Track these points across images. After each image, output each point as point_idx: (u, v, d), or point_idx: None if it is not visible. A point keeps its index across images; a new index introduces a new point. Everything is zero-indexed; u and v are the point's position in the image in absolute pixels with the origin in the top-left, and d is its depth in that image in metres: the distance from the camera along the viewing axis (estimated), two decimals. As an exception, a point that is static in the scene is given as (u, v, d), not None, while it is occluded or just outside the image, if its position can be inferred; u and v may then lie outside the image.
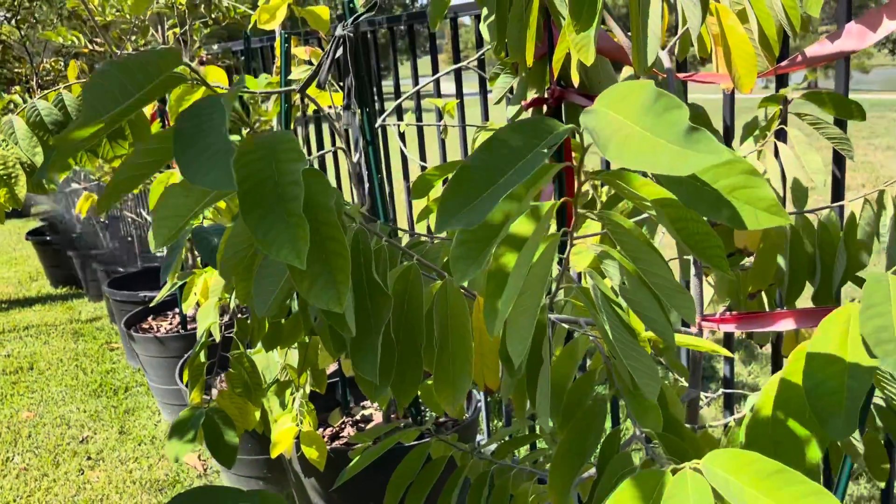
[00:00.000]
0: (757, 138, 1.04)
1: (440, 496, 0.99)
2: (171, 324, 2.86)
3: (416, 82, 1.91)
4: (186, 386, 1.44)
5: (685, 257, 1.00)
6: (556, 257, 0.58)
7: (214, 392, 1.46)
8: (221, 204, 1.56)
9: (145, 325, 2.87)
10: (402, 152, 1.99)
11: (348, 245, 0.54)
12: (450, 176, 1.09)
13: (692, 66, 1.31)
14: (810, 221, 0.96)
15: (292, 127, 1.91)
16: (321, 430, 1.88)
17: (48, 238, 4.67)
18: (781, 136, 1.02)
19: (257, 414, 1.41)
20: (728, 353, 0.81)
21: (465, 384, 0.68)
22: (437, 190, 1.16)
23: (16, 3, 3.20)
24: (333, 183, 2.50)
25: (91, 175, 3.45)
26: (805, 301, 0.99)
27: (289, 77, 1.70)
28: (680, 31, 0.99)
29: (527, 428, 1.72)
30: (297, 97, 1.84)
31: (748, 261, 1.05)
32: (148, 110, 1.77)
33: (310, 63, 1.91)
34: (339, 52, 1.35)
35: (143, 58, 0.44)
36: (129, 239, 3.97)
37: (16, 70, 3.39)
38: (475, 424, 1.89)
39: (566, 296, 0.79)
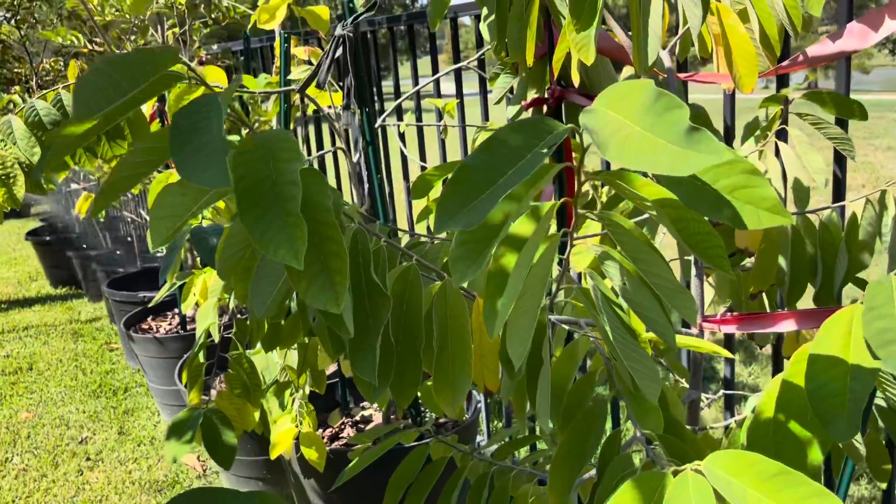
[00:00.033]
0: (758, 138, 1.03)
1: (440, 497, 0.99)
2: (170, 324, 2.85)
3: (415, 82, 1.91)
4: (185, 387, 1.43)
5: (686, 258, 1.00)
6: (556, 258, 0.58)
7: (213, 393, 1.45)
8: (220, 204, 1.56)
9: (145, 326, 2.87)
10: (401, 152, 1.99)
11: (347, 245, 0.53)
12: (449, 176, 1.09)
13: (692, 66, 1.30)
14: (812, 222, 0.96)
15: (292, 127, 1.90)
16: (320, 430, 1.88)
17: (48, 238, 4.67)
18: (782, 136, 1.01)
19: (256, 415, 1.41)
20: (729, 355, 0.80)
21: (464, 385, 0.68)
22: (437, 190, 1.15)
23: (15, 3, 3.19)
24: (333, 183, 2.49)
25: (90, 175, 3.44)
26: (806, 302, 0.99)
27: (288, 77, 1.70)
28: (681, 31, 0.99)
29: (527, 429, 1.72)
30: (296, 97, 1.83)
31: (749, 261, 1.05)
32: (147, 110, 1.77)
33: (309, 63, 1.91)
34: (339, 51, 1.34)
35: (138, 55, 0.43)
36: (129, 239, 3.97)
37: (15, 70, 3.38)
38: (475, 425, 1.88)
39: (566, 296, 0.79)
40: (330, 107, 1.69)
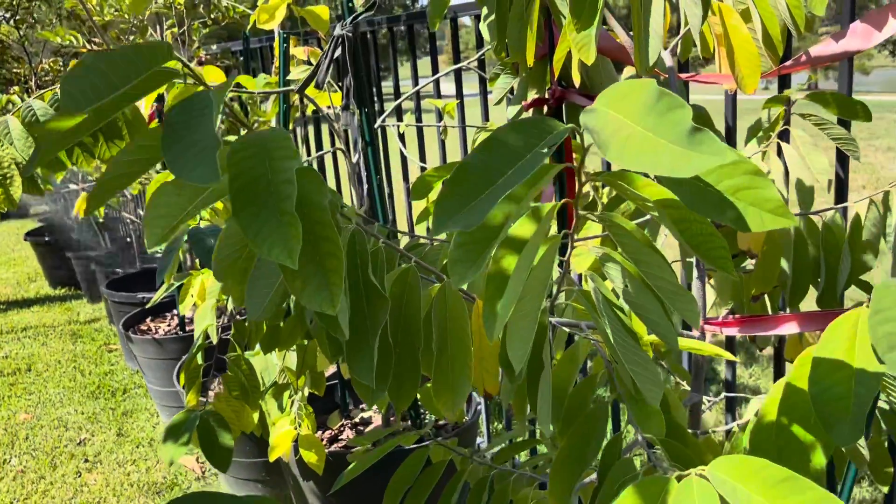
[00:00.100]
0: (760, 140, 1.03)
1: (439, 501, 0.98)
2: (169, 325, 2.85)
3: (415, 83, 1.90)
4: (183, 388, 1.42)
5: (688, 259, 0.99)
6: (556, 259, 0.57)
7: (212, 394, 1.45)
8: (219, 205, 1.55)
9: (143, 327, 2.86)
10: (401, 153, 1.98)
11: (344, 246, 0.53)
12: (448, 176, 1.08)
13: (693, 67, 1.30)
14: (814, 223, 0.95)
15: (291, 127, 1.90)
16: (320, 432, 1.87)
17: (47, 239, 4.66)
18: (785, 137, 1.01)
19: (255, 416, 1.40)
20: (732, 357, 0.80)
21: (464, 389, 0.67)
22: (437, 191, 1.15)
23: (14, 3, 3.19)
24: (333, 184, 2.49)
25: (89, 176, 3.44)
26: (809, 303, 0.98)
27: (287, 77, 1.69)
28: (682, 31, 0.98)
29: (527, 432, 1.71)
30: (295, 98, 1.83)
31: (749, 263, 1.04)
32: (146, 110, 1.76)
33: (309, 63, 1.90)
34: (338, 52, 1.34)
35: (130, 50, 0.42)
36: (128, 240, 3.96)
37: (14, 70, 3.38)
38: (475, 427, 1.88)
39: (567, 299, 0.78)
40: (329, 107, 1.68)
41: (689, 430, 0.72)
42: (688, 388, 1.02)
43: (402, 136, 1.95)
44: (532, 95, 1.09)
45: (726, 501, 0.42)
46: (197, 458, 2.43)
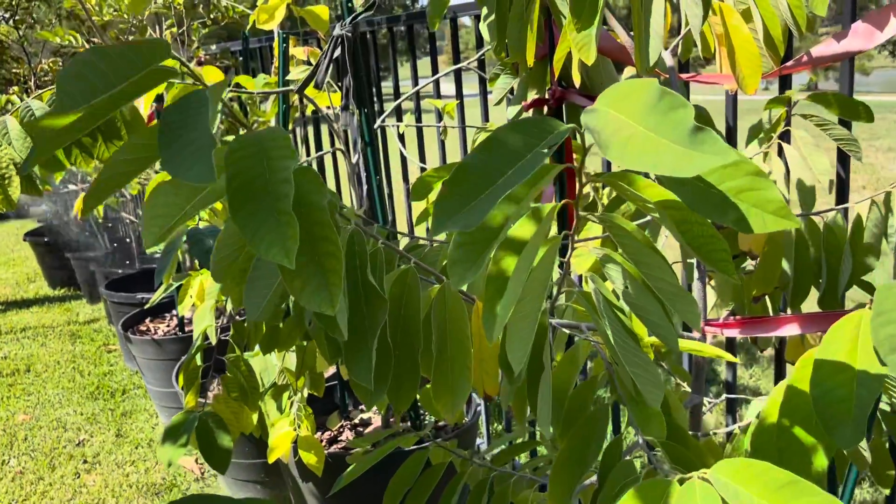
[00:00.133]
0: (762, 141, 1.02)
1: (439, 502, 0.98)
2: (168, 326, 2.84)
3: (415, 83, 1.90)
4: (182, 389, 1.42)
5: (688, 260, 0.99)
6: (557, 260, 0.57)
7: (211, 396, 1.44)
8: (218, 205, 1.55)
9: (143, 328, 2.85)
10: (401, 154, 1.98)
11: (343, 246, 0.52)
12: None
13: (693, 67, 1.29)
14: (816, 224, 0.95)
15: (290, 128, 1.89)
16: (319, 433, 1.86)
17: (46, 239, 4.66)
18: (786, 137, 1.00)
19: (254, 417, 1.39)
20: (733, 359, 0.79)
21: (464, 390, 0.67)
22: (437, 192, 1.14)
23: (14, 3, 3.18)
24: (333, 185, 2.48)
25: (88, 176, 3.43)
26: (810, 304, 0.97)
27: (287, 77, 1.69)
28: (683, 31, 0.98)
29: (527, 434, 1.71)
30: (295, 98, 1.82)
31: (749, 263, 1.04)
32: (145, 110, 1.75)
33: (308, 63, 1.90)
34: (338, 52, 1.33)
35: (127, 47, 0.42)
36: (128, 240, 3.96)
37: (14, 70, 3.37)
38: (475, 428, 1.87)
39: (567, 300, 0.78)
40: (329, 107, 1.68)
41: (690, 433, 0.71)
42: (688, 390, 1.01)
43: (401, 137, 1.95)
44: (532, 96, 1.08)
45: (728, 505, 0.42)
46: (196, 459, 2.42)
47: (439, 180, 1.13)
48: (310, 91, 1.62)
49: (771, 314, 1.05)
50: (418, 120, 1.93)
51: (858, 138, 0.97)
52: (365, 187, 1.47)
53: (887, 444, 0.95)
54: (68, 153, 1.17)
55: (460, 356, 0.67)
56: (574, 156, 1.11)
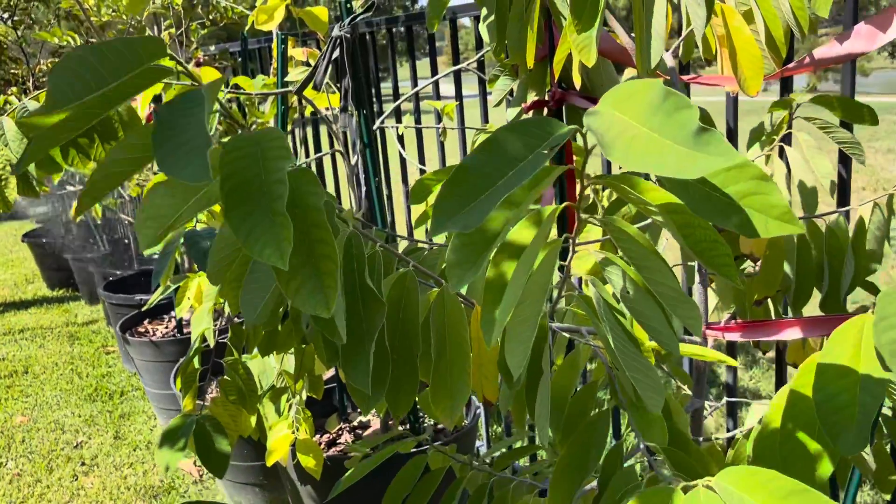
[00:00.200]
0: (763, 143, 1.02)
1: (437, 507, 0.97)
2: (167, 328, 2.83)
3: (414, 84, 1.89)
4: (180, 392, 1.41)
5: (689, 263, 0.98)
6: (557, 264, 0.56)
7: (209, 399, 1.43)
8: (216, 208, 1.54)
9: (141, 329, 2.84)
10: (400, 155, 1.97)
11: (340, 249, 0.51)
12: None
13: (693, 68, 1.29)
14: (818, 227, 0.94)
15: (289, 129, 1.89)
16: (318, 436, 1.85)
17: (45, 240, 4.65)
18: (788, 140, 1.00)
19: (253, 420, 1.38)
20: (734, 363, 0.78)
21: (462, 395, 0.66)
22: (436, 195, 1.13)
23: (12, 4, 3.17)
24: (332, 186, 2.48)
25: (86, 178, 3.42)
26: (812, 306, 0.97)
27: (286, 78, 1.68)
28: (684, 32, 0.97)
29: (527, 438, 1.70)
30: (294, 99, 1.82)
31: (749, 264, 1.03)
32: (143, 111, 1.75)
33: (307, 64, 1.89)
34: (337, 53, 1.33)
35: (121, 44, 0.41)
36: (126, 241, 3.95)
37: (12, 71, 3.36)
38: (474, 430, 1.86)
39: (567, 304, 0.77)
40: (328, 109, 1.67)
41: (692, 438, 0.70)
42: (689, 393, 1.00)
43: (400, 138, 1.94)
44: (532, 97, 1.08)
45: (733, 514, 0.41)
46: (194, 462, 2.41)
47: (438, 183, 1.13)
48: (308, 92, 1.61)
49: (773, 317, 1.05)
50: (417, 121, 1.92)
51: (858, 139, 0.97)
52: (364, 189, 1.46)
53: (888, 448, 0.94)
54: (65, 154, 1.16)
55: (459, 360, 0.66)
56: (575, 158, 1.11)
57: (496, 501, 0.91)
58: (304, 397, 1.49)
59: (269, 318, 0.65)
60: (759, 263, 0.97)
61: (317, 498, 1.70)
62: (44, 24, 3.50)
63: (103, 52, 0.41)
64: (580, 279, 0.97)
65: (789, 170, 0.98)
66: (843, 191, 1.07)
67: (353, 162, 1.45)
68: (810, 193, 0.97)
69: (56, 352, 3.56)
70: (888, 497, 1.19)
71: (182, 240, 1.20)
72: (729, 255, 0.52)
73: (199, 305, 1.50)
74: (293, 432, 1.48)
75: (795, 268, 0.94)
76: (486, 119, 1.76)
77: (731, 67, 0.84)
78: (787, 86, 1.07)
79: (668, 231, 0.53)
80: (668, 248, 0.96)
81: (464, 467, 1.00)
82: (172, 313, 2.92)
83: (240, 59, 2.37)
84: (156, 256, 3.65)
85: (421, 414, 1.76)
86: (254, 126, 1.87)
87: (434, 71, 1.84)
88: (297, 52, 1.88)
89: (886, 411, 0.85)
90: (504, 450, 1.07)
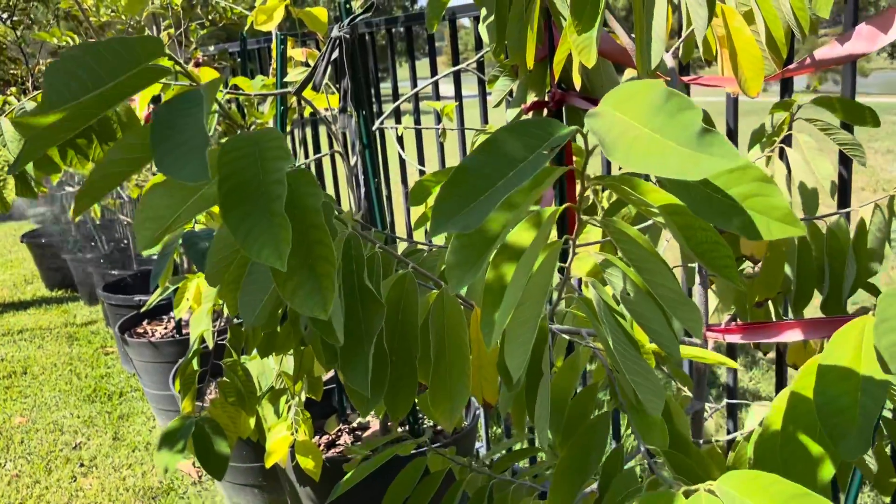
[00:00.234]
0: (764, 145, 1.01)
1: (437, 509, 0.97)
2: (166, 328, 2.83)
3: (414, 85, 1.89)
4: (179, 393, 1.41)
5: (689, 265, 0.98)
6: (556, 265, 0.56)
7: (208, 400, 1.43)
8: (216, 209, 1.53)
9: (140, 330, 2.84)
10: (399, 156, 1.97)
11: (339, 250, 0.51)
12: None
13: (693, 69, 1.28)
14: (818, 228, 0.94)
15: (288, 129, 1.88)
16: (317, 437, 1.85)
17: (43, 241, 4.64)
18: (789, 141, 0.99)
19: (252, 422, 1.38)
20: (735, 365, 0.78)
21: (462, 397, 0.66)
22: (435, 196, 1.13)
23: (11, 4, 3.17)
24: (331, 187, 2.47)
25: (84, 178, 3.41)
26: (813, 308, 0.96)
27: (285, 79, 1.68)
28: (684, 33, 0.97)
29: (526, 440, 1.70)
30: (293, 100, 1.81)
31: (748, 265, 1.03)
32: (141, 112, 1.74)
33: (307, 65, 1.89)
34: (336, 53, 1.32)
35: (118, 43, 0.41)
36: (125, 242, 3.94)
37: (11, 72, 3.36)
38: (474, 432, 1.86)
39: (567, 305, 0.77)
40: (327, 109, 1.66)
41: (692, 440, 0.70)
42: (689, 395, 1.00)
43: (400, 139, 1.93)
44: (531, 98, 1.07)
45: (734, 518, 0.40)
46: (193, 463, 2.41)
47: (438, 184, 1.12)
48: (308, 93, 1.60)
49: (773, 318, 1.04)
50: (417, 122, 1.92)
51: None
52: (363, 190, 1.46)
53: (888, 450, 0.94)
54: (63, 154, 1.16)
55: (458, 362, 0.65)
56: (575, 159, 1.10)
57: (496, 503, 0.91)
58: (303, 399, 1.49)
59: (267, 319, 0.64)
60: (759, 265, 0.97)
61: (316, 499, 1.70)
62: (43, 24, 3.49)
63: (100, 51, 0.40)
64: (580, 281, 0.96)
65: (790, 171, 0.97)
66: (843, 192, 1.07)
67: (352, 163, 1.45)
68: (811, 195, 0.96)
69: (55, 352, 3.56)
70: (888, 500, 1.18)
71: (181, 241, 1.20)
72: (730, 257, 0.51)
73: (197, 306, 1.50)
74: (292, 434, 1.48)
75: (796, 269, 0.94)
76: (485, 120, 1.76)
77: (731, 68, 0.84)
78: (787, 87, 1.07)
79: (668, 232, 0.53)
80: (668, 249, 0.96)
81: (463, 469, 1.00)
82: (171, 314, 2.91)
83: (239, 60, 2.37)
84: (154, 257, 3.65)
85: (420, 415, 1.75)
86: (253, 126, 1.86)
87: (433, 71, 1.84)
88: (296, 53, 1.88)
89: (886, 413, 0.84)
90: (504, 452, 1.07)
